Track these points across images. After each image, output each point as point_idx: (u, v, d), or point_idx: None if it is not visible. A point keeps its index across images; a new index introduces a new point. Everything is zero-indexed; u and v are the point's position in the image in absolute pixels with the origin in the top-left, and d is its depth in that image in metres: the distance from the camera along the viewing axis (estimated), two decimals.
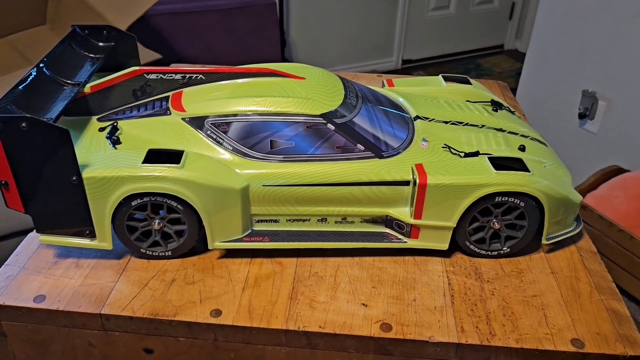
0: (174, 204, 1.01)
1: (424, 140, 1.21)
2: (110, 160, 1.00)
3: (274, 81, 1.16)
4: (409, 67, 4.51)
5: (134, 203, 1.00)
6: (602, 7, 2.87)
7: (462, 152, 1.19)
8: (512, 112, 1.42)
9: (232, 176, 1.02)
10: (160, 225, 1.04)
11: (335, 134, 1.07)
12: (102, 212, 0.99)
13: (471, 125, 1.30)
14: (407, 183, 1.06)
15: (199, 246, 1.10)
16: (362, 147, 1.08)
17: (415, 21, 5.21)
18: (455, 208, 1.07)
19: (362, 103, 1.23)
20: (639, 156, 2.84)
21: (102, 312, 0.96)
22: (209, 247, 1.06)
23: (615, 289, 1.14)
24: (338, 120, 1.08)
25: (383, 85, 1.46)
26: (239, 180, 1.02)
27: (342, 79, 1.27)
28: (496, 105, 1.40)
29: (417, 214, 1.07)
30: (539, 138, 1.32)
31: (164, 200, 1.00)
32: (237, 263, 1.09)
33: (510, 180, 1.05)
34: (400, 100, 1.36)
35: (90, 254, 1.09)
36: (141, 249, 1.07)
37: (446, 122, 1.29)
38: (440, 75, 1.48)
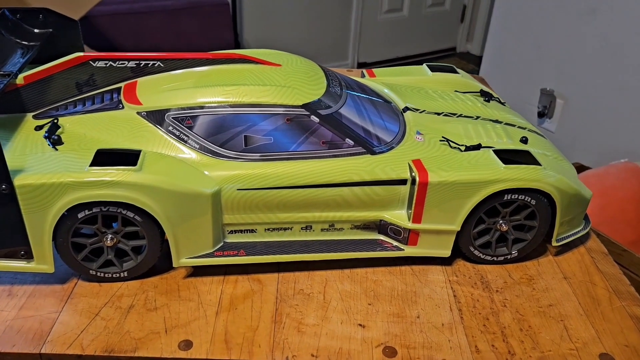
0: (130, 214, 0.88)
1: (418, 133, 1.07)
2: (49, 164, 0.82)
3: (246, 68, 1.00)
4: None
5: (80, 215, 0.87)
6: (558, 6, 2.84)
7: (462, 145, 1.05)
8: (503, 104, 1.30)
9: (200, 179, 0.90)
10: (113, 241, 0.92)
11: (320, 127, 0.91)
12: (40, 228, 0.83)
13: (466, 116, 1.17)
14: (404, 182, 0.96)
15: (162, 264, 0.97)
16: (351, 142, 0.93)
17: (369, 23, 5.14)
18: (459, 209, 0.94)
19: (347, 92, 1.07)
20: (598, 153, 2.81)
21: (43, 351, 0.77)
22: (174, 265, 0.94)
23: (636, 294, 1.03)
24: (322, 112, 0.92)
25: (363, 76, 1.31)
26: (208, 184, 0.89)
27: (321, 66, 1.12)
28: (486, 96, 1.28)
29: (417, 217, 0.94)
30: (535, 130, 1.20)
31: (118, 211, 0.88)
32: (207, 282, 0.96)
33: (521, 175, 0.92)
34: (386, 92, 1.22)
35: (27, 279, 0.93)
36: (90, 271, 0.93)
37: (438, 114, 1.16)
38: (424, 65, 1.34)
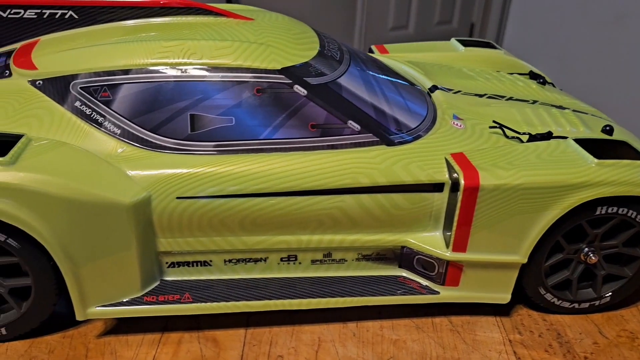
0: (0, 237, 0.61)
1: (456, 117, 0.73)
2: None
3: (201, 21, 0.68)
4: None
5: None
6: (577, 19, 2.55)
7: (525, 133, 0.70)
8: (560, 90, 0.96)
9: (116, 182, 0.63)
10: None
11: (308, 102, 0.58)
12: None
13: (519, 100, 0.83)
14: (439, 187, 0.67)
15: (64, 315, 0.69)
16: (356, 127, 0.60)
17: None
18: (526, 230, 0.67)
19: (350, 59, 0.73)
20: None
21: None
22: (78, 318, 0.66)
23: None
24: (312, 80, 0.60)
25: (371, 53, 0.98)
26: (129, 190, 0.63)
27: (313, 29, 0.78)
28: (538, 78, 0.94)
29: (459, 243, 0.68)
30: (611, 121, 0.86)
31: None
32: (134, 344, 0.68)
33: (623, 176, 0.63)
34: (404, 69, 0.88)
35: None
36: None
37: (480, 95, 0.82)
38: (453, 39, 1.01)
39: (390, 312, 0.73)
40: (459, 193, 0.64)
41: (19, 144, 0.60)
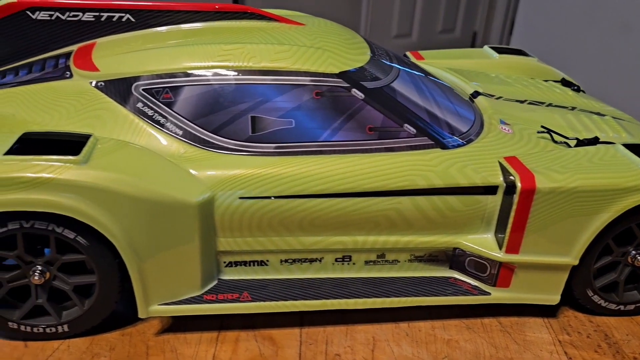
0: (69, 234, 0.62)
1: (503, 122, 0.74)
2: None
3: (255, 26, 0.70)
4: None
5: None
6: (583, 28, 2.54)
7: (572, 138, 0.72)
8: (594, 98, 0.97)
9: (182, 182, 0.63)
10: (45, 277, 0.64)
11: (365, 106, 0.59)
12: None
13: (558, 106, 0.84)
14: (492, 190, 0.69)
15: (123, 313, 0.70)
16: (412, 130, 0.61)
17: None
18: (578, 232, 0.69)
19: (398, 66, 0.75)
20: None
21: None
22: (140, 315, 0.67)
23: None
24: (368, 84, 0.60)
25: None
26: (195, 190, 0.63)
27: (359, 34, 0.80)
28: (572, 86, 0.95)
29: (513, 245, 0.69)
30: None
31: (49, 228, 0.61)
32: (193, 342, 0.69)
33: None
34: (444, 75, 0.89)
35: None
36: (10, 323, 0.66)
37: (521, 101, 0.83)
38: (486, 47, 1.03)
39: (440, 312, 0.73)
40: (515, 196, 0.65)
41: (88, 143, 0.61)
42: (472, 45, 5.78)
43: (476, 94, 0.85)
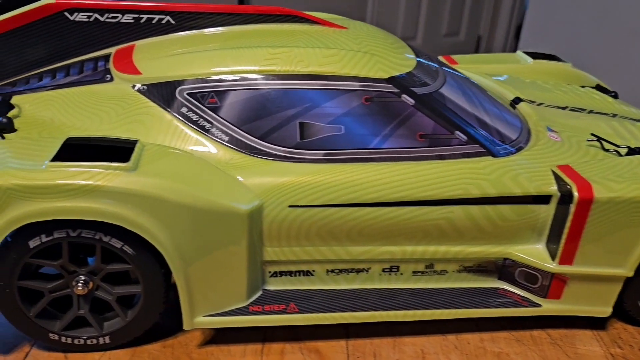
0: (116, 243, 0.60)
1: (550, 129, 0.72)
2: None
3: (299, 29, 0.68)
4: None
5: (33, 243, 0.59)
6: (591, 33, 2.53)
7: (623, 146, 0.70)
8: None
9: (231, 189, 0.61)
10: (88, 288, 0.62)
11: (416, 112, 0.57)
12: None
13: (599, 113, 0.82)
14: (545, 199, 0.66)
15: (166, 324, 0.68)
16: (463, 137, 0.59)
17: None
18: (634, 242, 0.67)
19: (444, 70, 0.73)
20: None
21: None
22: (185, 327, 0.65)
23: None
24: (418, 90, 0.58)
25: None
26: (244, 197, 0.61)
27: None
28: (608, 92, 0.94)
29: (567, 256, 0.67)
30: None
31: (96, 237, 0.60)
32: (237, 354, 0.67)
33: None
34: (482, 80, 0.88)
35: None
36: (51, 334, 0.64)
37: (562, 108, 0.81)
38: (519, 51, 1.01)
39: (488, 324, 0.71)
40: (571, 205, 0.63)
41: (136, 150, 0.59)
42: (477, 49, 5.76)
43: (518, 100, 0.84)
